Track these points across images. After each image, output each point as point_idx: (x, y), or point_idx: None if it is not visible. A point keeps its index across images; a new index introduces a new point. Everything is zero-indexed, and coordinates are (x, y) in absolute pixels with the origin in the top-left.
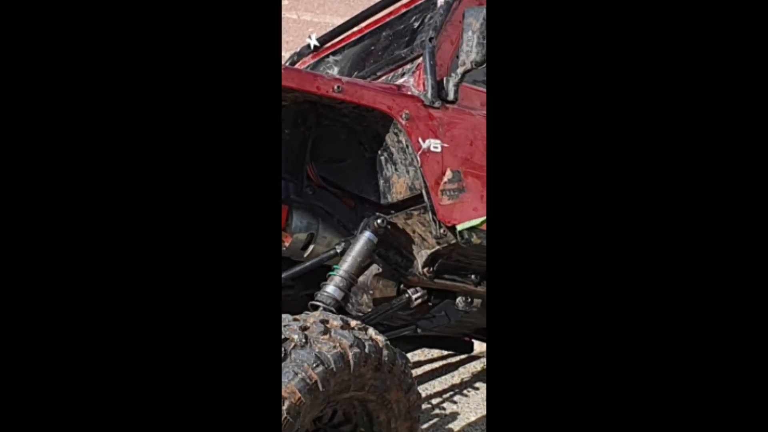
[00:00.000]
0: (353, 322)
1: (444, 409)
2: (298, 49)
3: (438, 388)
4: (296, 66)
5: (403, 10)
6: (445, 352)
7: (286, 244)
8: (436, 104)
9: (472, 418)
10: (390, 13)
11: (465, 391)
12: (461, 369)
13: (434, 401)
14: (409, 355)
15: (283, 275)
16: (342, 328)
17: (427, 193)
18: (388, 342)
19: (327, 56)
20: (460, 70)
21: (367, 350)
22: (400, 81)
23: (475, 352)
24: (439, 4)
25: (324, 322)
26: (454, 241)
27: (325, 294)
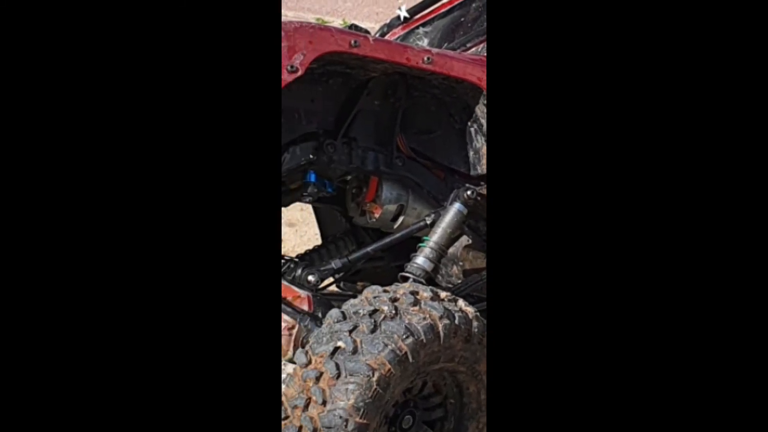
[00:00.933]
0: (443, 294)
1: None
2: (387, 21)
3: None
4: (386, 37)
5: None
6: None
7: (376, 215)
8: None
9: None
10: None
11: None
12: None
13: None
14: None
15: (373, 246)
16: (432, 299)
17: None
18: (478, 313)
19: (417, 28)
20: None
21: (457, 321)
22: None
23: None
24: None
25: (414, 293)
26: None
27: (415, 265)
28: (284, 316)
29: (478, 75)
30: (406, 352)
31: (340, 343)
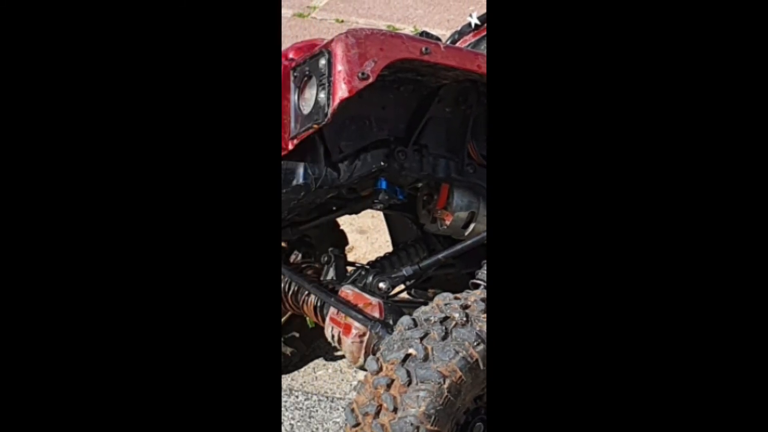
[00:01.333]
0: None
1: None
2: (458, 28)
3: None
4: (457, 44)
5: None
6: None
7: (447, 222)
8: None
9: None
10: None
11: None
12: None
13: None
14: None
15: (444, 254)
16: None
17: None
18: None
19: None
20: None
21: None
22: None
23: None
24: None
25: (485, 300)
26: None
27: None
28: (355, 323)
29: None
30: (477, 360)
31: (411, 351)
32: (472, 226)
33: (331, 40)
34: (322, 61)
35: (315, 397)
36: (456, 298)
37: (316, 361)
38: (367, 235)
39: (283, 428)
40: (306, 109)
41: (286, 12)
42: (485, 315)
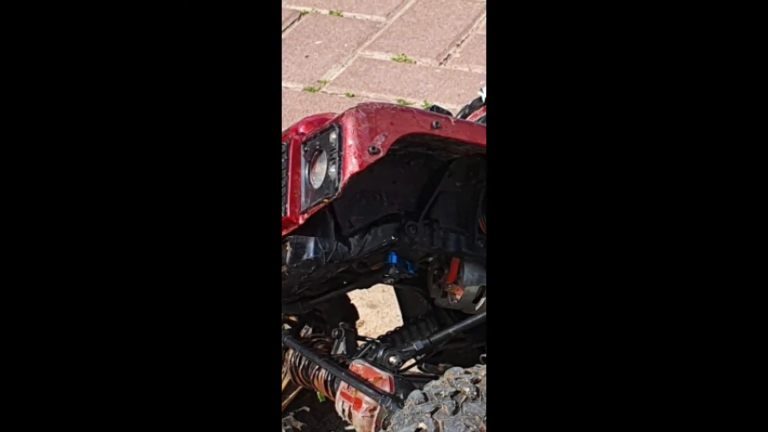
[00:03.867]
0: None
1: None
2: (469, 102)
3: None
4: (467, 119)
5: None
6: None
7: (458, 296)
8: None
9: None
10: None
11: None
12: None
13: None
14: None
15: (455, 328)
16: None
17: None
18: None
19: None
20: None
21: None
22: None
23: None
24: None
25: None
26: None
27: None
28: (366, 398)
29: None
30: None
31: (421, 425)
32: (482, 300)
33: (342, 115)
34: (333, 136)
35: None
36: (467, 373)
37: None
38: (377, 309)
39: None
40: (316, 183)
41: (296, 86)
42: None
